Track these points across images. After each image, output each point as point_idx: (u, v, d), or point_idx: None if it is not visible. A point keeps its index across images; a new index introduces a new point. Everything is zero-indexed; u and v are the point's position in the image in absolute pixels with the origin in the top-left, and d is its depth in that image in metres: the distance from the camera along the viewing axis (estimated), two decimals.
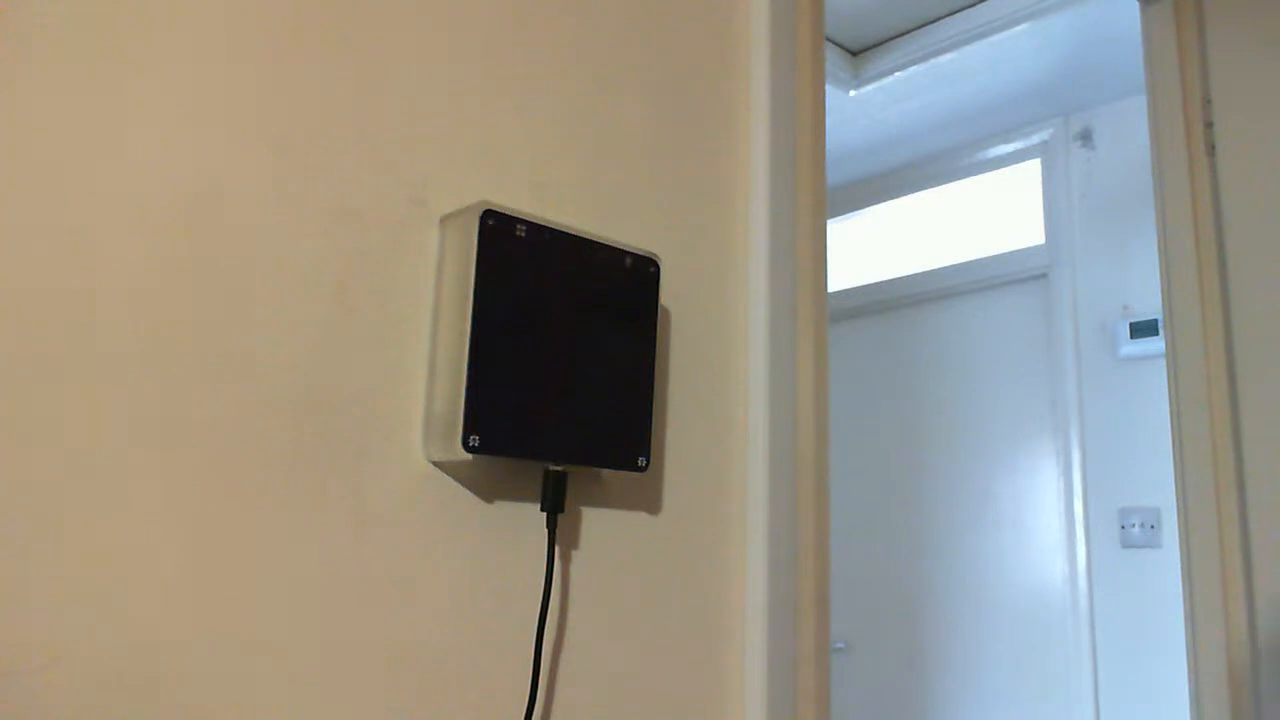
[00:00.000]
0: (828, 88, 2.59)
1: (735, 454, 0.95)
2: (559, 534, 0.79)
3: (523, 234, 0.71)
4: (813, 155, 1.06)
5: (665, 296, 0.91)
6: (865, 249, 3.32)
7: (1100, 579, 2.53)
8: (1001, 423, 2.81)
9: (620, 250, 0.78)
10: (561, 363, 0.73)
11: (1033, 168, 2.90)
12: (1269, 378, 1.37)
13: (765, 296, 0.97)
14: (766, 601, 0.91)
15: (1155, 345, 2.46)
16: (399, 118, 0.73)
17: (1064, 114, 2.79)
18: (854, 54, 2.60)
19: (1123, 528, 2.49)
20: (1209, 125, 1.49)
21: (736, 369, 0.96)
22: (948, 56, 2.47)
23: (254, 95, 0.66)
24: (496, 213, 0.70)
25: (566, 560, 0.79)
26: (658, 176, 0.92)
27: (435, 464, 0.72)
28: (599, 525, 0.82)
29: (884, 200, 3.27)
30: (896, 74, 2.55)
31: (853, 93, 2.65)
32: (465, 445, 0.66)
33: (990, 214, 2.99)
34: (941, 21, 2.42)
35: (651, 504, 0.86)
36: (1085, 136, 2.75)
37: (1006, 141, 2.92)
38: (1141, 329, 2.49)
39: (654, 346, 0.80)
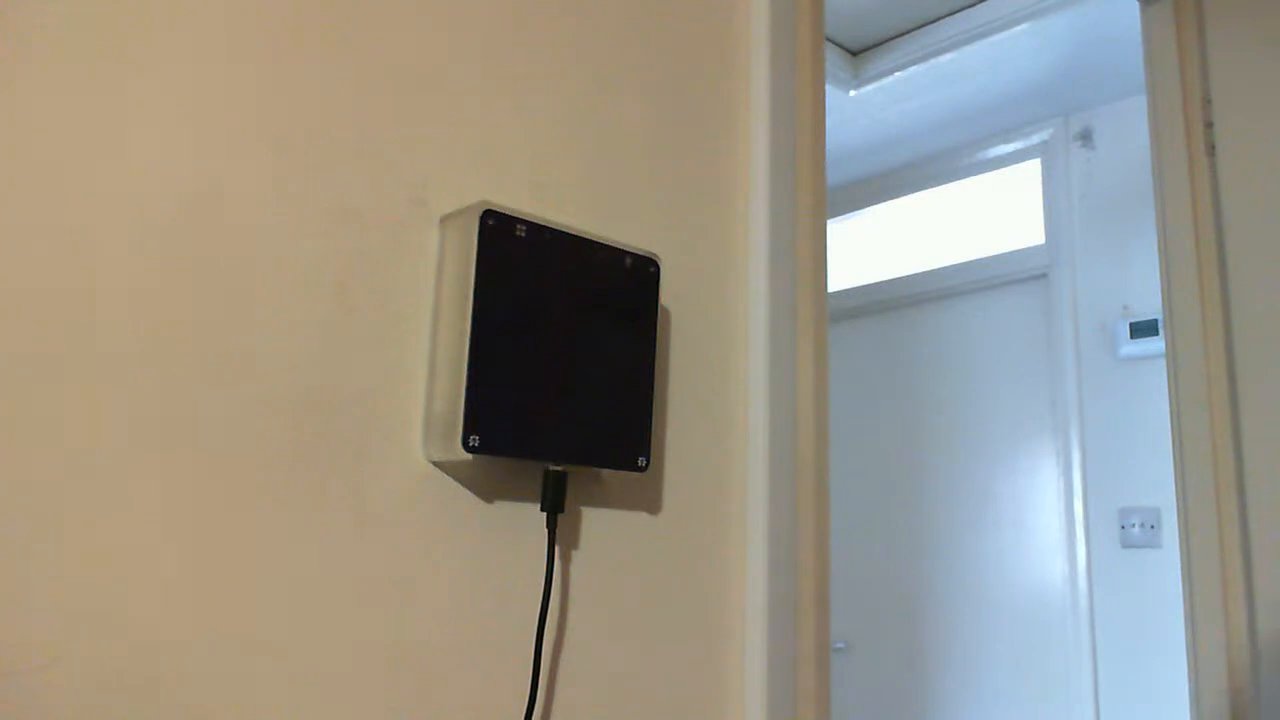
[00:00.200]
0: (828, 88, 2.59)
1: (735, 454, 0.95)
2: (559, 534, 0.79)
3: (523, 234, 0.71)
4: (813, 155, 1.06)
5: (665, 296, 0.91)
6: (865, 249, 3.32)
7: (1100, 579, 2.53)
8: (1001, 423, 2.81)
9: (620, 250, 0.78)
10: (561, 363, 0.73)
11: (1033, 168, 2.90)
12: (1269, 378, 1.37)
13: (765, 296, 0.97)
14: (766, 601, 0.91)
15: (1155, 345, 2.46)
16: (399, 118, 0.73)
17: (1064, 114, 2.79)
18: (854, 54, 2.60)
19: (1123, 528, 2.49)
20: (1209, 125, 1.49)
21: (736, 369, 0.96)
22: (948, 56, 2.47)
23: (254, 95, 0.66)
24: (496, 213, 0.70)
25: (566, 560, 0.79)
26: (658, 176, 0.92)
27: (435, 464, 0.72)
28: (599, 525, 0.82)
29: (884, 200, 3.27)
30: (896, 74, 2.55)
31: (853, 93, 2.65)
32: (465, 445, 0.66)
33: (990, 214, 2.99)
34: (941, 21, 2.42)
35: (651, 504, 0.86)
36: (1085, 136, 2.75)
37: (1006, 141, 2.92)
38: (1141, 329, 2.49)
39: (654, 346, 0.80)
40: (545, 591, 0.73)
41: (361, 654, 0.66)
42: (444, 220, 0.74)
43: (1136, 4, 1.64)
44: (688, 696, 0.86)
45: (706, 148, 0.97)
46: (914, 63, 2.50)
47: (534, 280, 0.72)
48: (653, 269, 0.81)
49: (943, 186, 3.13)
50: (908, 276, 3.11)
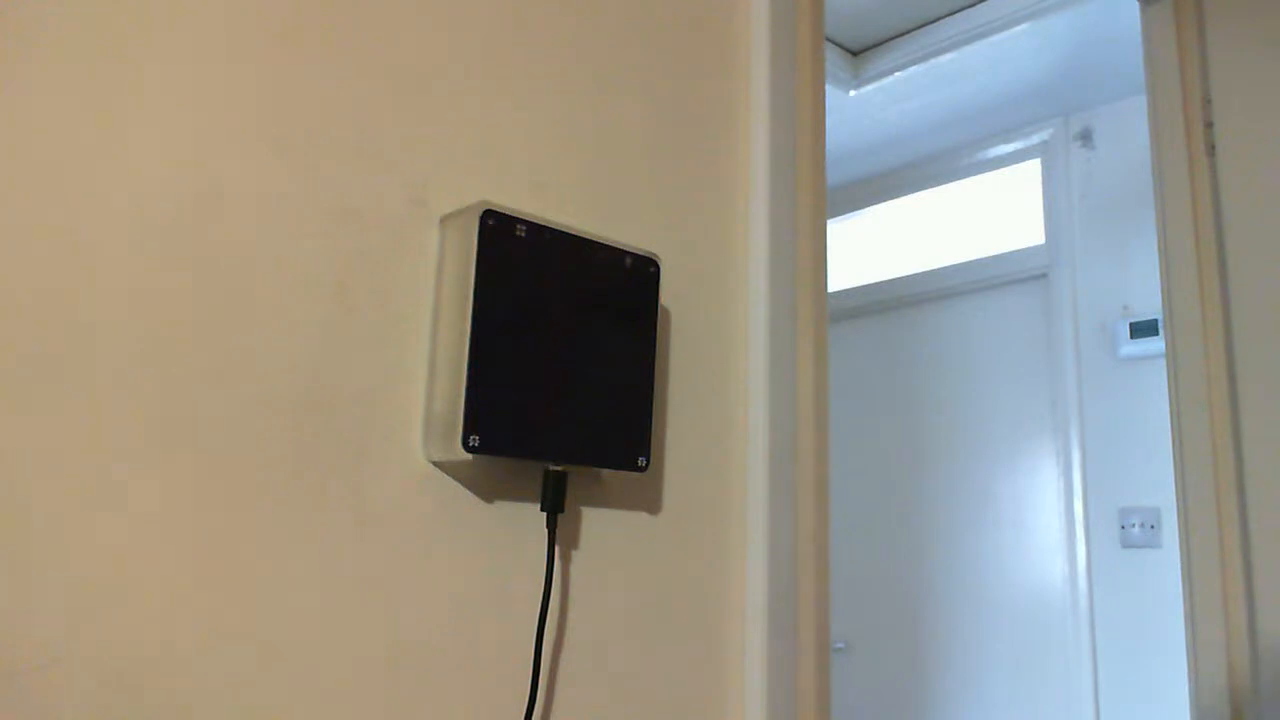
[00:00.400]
0: (828, 88, 2.59)
1: (735, 454, 0.95)
2: (559, 534, 0.79)
3: (523, 234, 0.71)
4: (813, 155, 1.06)
5: (665, 296, 0.91)
6: (865, 249, 3.32)
7: (1100, 579, 2.53)
8: (1001, 423, 2.81)
9: (620, 250, 0.78)
10: (561, 363, 0.73)
11: (1033, 168, 2.90)
12: (1269, 378, 1.37)
13: (765, 296, 0.97)
14: (766, 601, 0.91)
15: (1155, 345, 2.46)
16: (399, 118, 0.73)
17: (1064, 114, 2.79)
18: (854, 54, 2.60)
19: (1123, 528, 2.49)
20: (1209, 125, 1.49)
21: (736, 369, 0.96)
22: (948, 56, 2.47)
23: (254, 95, 0.66)
24: (496, 213, 0.70)
25: (566, 560, 0.79)
26: (658, 176, 0.92)
27: (435, 464, 0.72)
28: (599, 525, 0.82)
29: (884, 200, 3.27)
30: (896, 74, 2.55)
31: (853, 93, 2.65)
32: (465, 445, 0.66)
33: (990, 214, 2.99)
34: (941, 21, 2.42)
35: (651, 504, 0.86)
36: (1085, 136, 2.75)
37: (1006, 141, 2.92)
38: (1141, 329, 2.49)
39: (654, 346, 0.80)
40: (545, 591, 0.73)
41: (361, 654, 0.66)
42: (444, 220, 0.74)
43: (1136, 4, 1.64)
44: (688, 696, 0.86)
45: (706, 148, 0.97)
46: (914, 63, 2.50)
47: (534, 280, 0.72)
48: (653, 269, 0.81)
49: (943, 186, 3.13)
50: (908, 276, 3.11)
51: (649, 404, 0.79)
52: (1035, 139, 2.85)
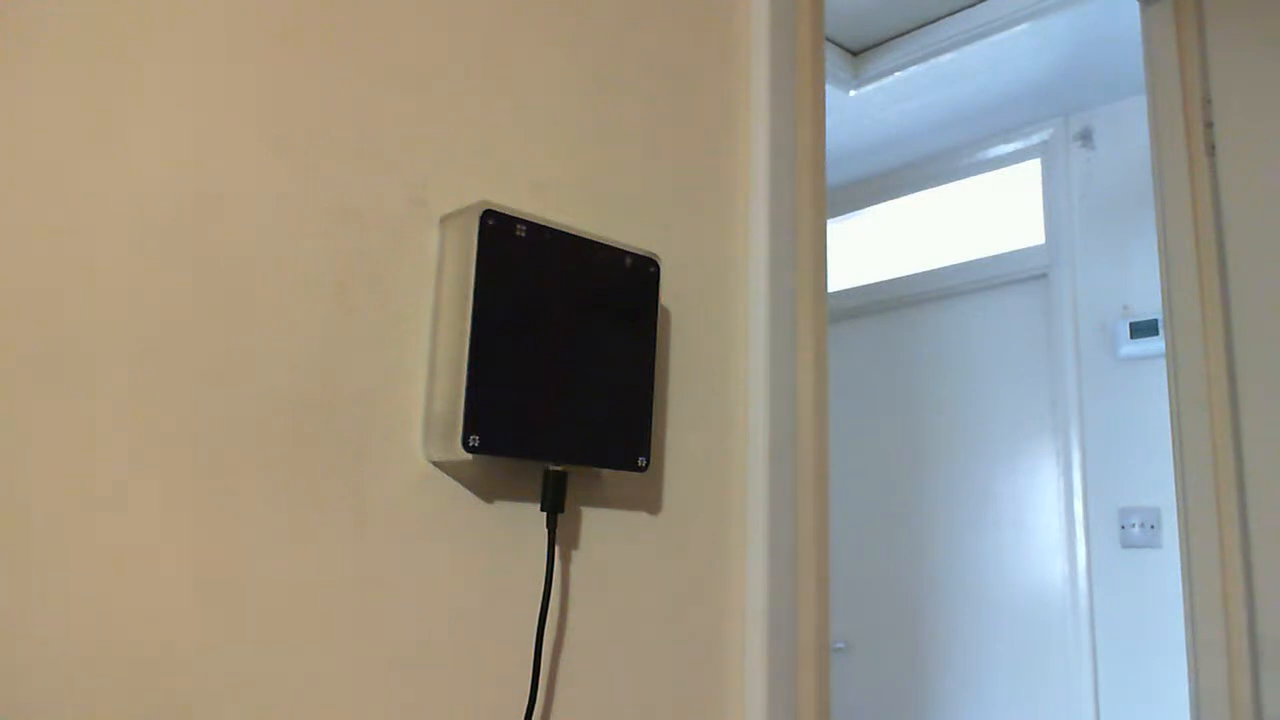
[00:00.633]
0: (828, 88, 2.59)
1: (735, 454, 0.95)
2: (559, 534, 0.79)
3: (523, 234, 0.71)
4: (813, 155, 1.06)
5: (665, 296, 0.91)
6: (865, 249, 3.32)
7: (1100, 579, 2.53)
8: (1001, 423, 2.81)
9: (620, 250, 0.78)
10: (561, 363, 0.73)
11: (1033, 168, 2.90)
12: (1269, 378, 1.37)
13: (765, 296, 0.97)
14: (766, 601, 0.91)
15: (1155, 345, 2.45)
16: (399, 118, 0.73)
17: (1064, 114, 2.79)
18: (854, 54, 2.60)
19: (1123, 528, 2.49)
20: (1209, 125, 1.49)
21: (736, 369, 0.96)
22: (948, 56, 2.47)
23: (254, 95, 0.66)
24: (496, 213, 0.70)
25: (566, 560, 0.79)
26: (658, 176, 0.92)
27: (435, 464, 0.72)
28: (599, 525, 0.82)
29: (884, 200, 3.27)
30: (896, 74, 2.55)
31: (853, 93, 2.65)
32: (465, 445, 0.66)
33: (990, 214, 2.99)
34: (941, 21, 2.42)
35: (651, 504, 0.86)
36: (1085, 136, 2.75)
37: (1006, 141, 2.91)
38: (1141, 329, 2.49)
39: (654, 346, 0.80)
40: (545, 591, 0.73)
41: (361, 654, 0.66)
42: (444, 220, 0.74)
43: (1136, 4, 1.64)
44: (688, 696, 0.86)
45: (706, 148, 0.97)
46: (914, 63, 2.50)
47: (534, 280, 0.72)
48: (653, 269, 0.81)
49: (943, 186, 3.13)
50: (908, 276, 3.11)
51: (649, 404, 0.79)
52: (1035, 139, 2.85)
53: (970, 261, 2.97)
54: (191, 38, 0.63)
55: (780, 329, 0.98)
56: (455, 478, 0.73)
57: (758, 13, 1.04)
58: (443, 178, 0.75)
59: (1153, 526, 2.44)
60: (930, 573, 2.89)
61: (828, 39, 2.52)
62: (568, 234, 0.74)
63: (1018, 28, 2.32)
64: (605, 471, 0.83)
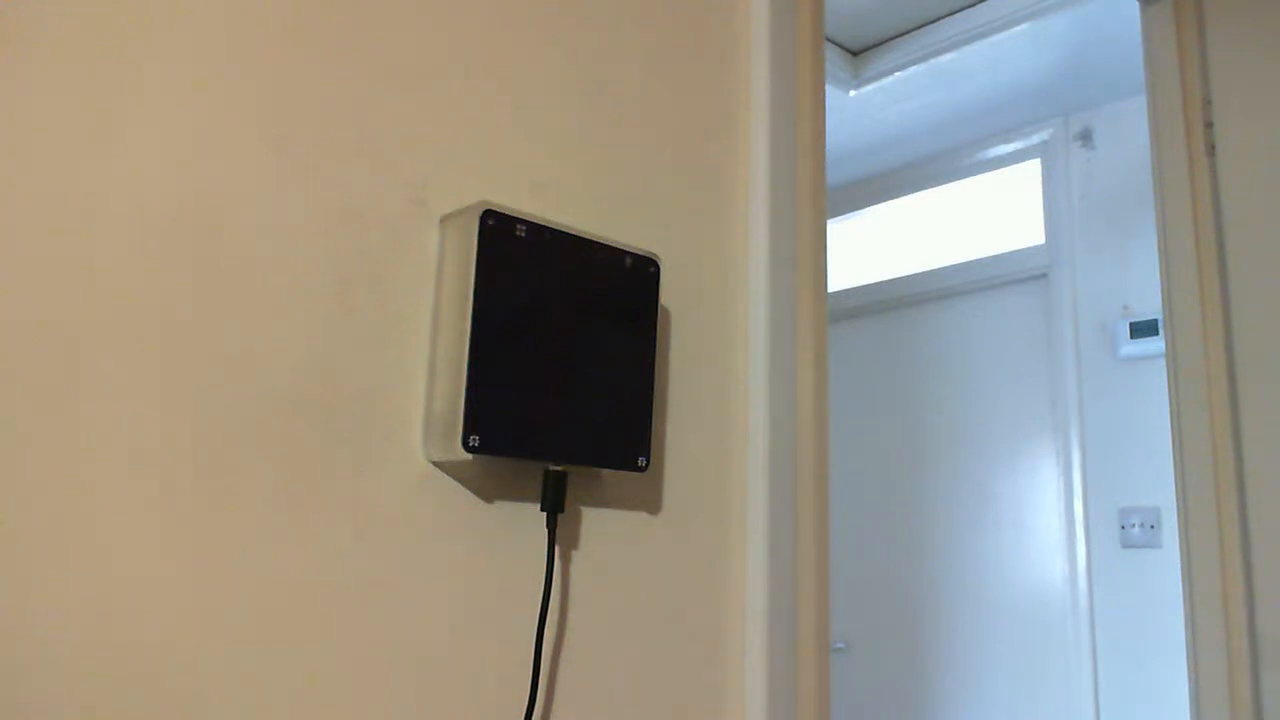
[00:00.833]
0: (828, 88, 2.59)
1: (735, 454, 0.95)
2: (559, 534, 0.79)
3: (523, 234, 0.71)
4: (813, 155, 1.06)
5: (665, 296, 0.91)
6: (865, 249, 3.32)
7: (1100, 579, 2.53)
8: (1001, 423, 2.81)
9: (620, 250, 0.78)
10: (561, 363, 0.73)
11: (1033, 168, 2.90)
12: (1269, 378, 1.37)
13: (765, 296, 0.97)
14: (766, 601, 0.91)
15: (1155, 345, 2.45)
16: (399, 118, 0.73)
17: (1064, 114, 2.79)
18: (854, 54, 2.60)
19: (1123, 528, 2.49)
20: (1209, 125, 1.49)
21: (736, 369, 0.96)
22: (948, 56, 2.47)
23: (254, 95, 0.66)
24: (496, 213, 0.70)
25: (566, 560, 0.79)
26: (658, 176, 0.92)
27: (435, 464, 0.72)
28: (599, 525, 0.82)
29: (884, 200, 3.27)
30: (896, 74, 2.55)
31: (853, 93, 2.65)
32: (465, 445, 0.66)
33: (990, 214, 2.99)
34: (941, 21, 2.42)
35: (651, 504, 0.86)
36: (1085, 136, 2.75)
37: (1006, 141, 2.91)
38: (1141, 329, 2.49)
39: (654, 346, 0.80)
40: (545, 591, 0.73)
41: (361, 654, 0.66)
42: (444, 220, 0.74)
43: (1136, 4, 1.64)
44: (688, 696, 0.86)
45: (706, 148, 0.97)
46: (914, 63, 2.50)
47: (534, 280, 0.72)
48: (653, 269, 0.81)
49: (942, 186, 3.13)
50: (908, 276, 3.11)
51: (649, 404, 0.79)
52: (1035, 139, 2.85)
53: (970, 261, 2.97)
54: (191, 38, 0.63)
55: (780, 329, 0.98)
56: (455, 478, 0.73)
57: (758, 13, 1.04)
58: (443, 178, 0.75)
59: (1153, 526, 2.44)
60: (930, 573, 2.89)
61: (828, 39, 2.52)
62: (568, 234, 0.74)
63: (1018, 28, 2.32)
64: (605, 471, 0.83)
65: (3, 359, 0.54)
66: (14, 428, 0.54)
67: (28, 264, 0.56)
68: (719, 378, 0.94)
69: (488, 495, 0.74)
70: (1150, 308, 2.52)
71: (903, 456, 3.03)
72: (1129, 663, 2.45)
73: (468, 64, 0.78)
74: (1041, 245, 2.80)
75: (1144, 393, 2.51)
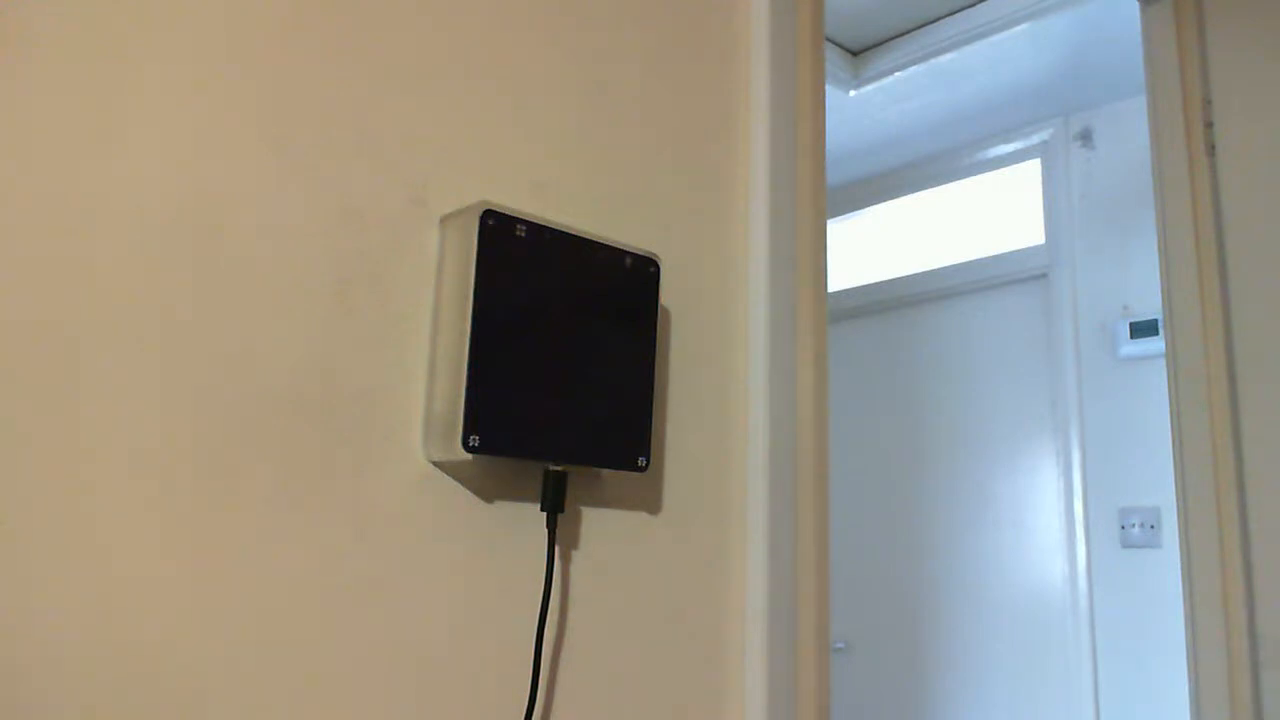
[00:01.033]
0: (828, 88, 2.59)
1: (735, 454, 0.95)
2: (559, 534, 0.79)
3: (523, 234, 0.71)
4: (813, 155, 1.06)
5: (665, 296, 0.91)
6: (865, 249, 3.32)
7: (1100, 579, 2.53)
8: (1001, 423, 2.81)
9: (620, 250, 0.78)
10: (561, 363, 0.73)
11: (1033, 168, 2.90)
12: (1269, 378, 1.37)
13: (765, 296, 0.97)
14: (766, 601, 0.91)
15: (1155, 345, 2.45)
16: (399, 118, 0.73)
17: (1064, 114, 2.79)
18: (854, 54, 2.60)
19: (1123, 528, 2.49)
20: (1209, 125, 1.49)
21: (736, 369, 0.96)
22: (948, 56, 2.46)
23: (254, 95, 0.66)
24: (496, 213, 0.70)
25: (566, 560, 0.79)
26: (658, 176, 0.92)
27: (435, 464, 0.72)
28: (599, 525, 0.82)
29: (884, 200, 3.27)
30: (896, 74, 2.55)
31: (853, 93, 2.65)
32: (465, 445, 0.66)
33: (990, 214, 2.99)
34: (941, 21, 2.42)
35: (651, 504, 0.86)
36: (1085, 136, 2.75)
37: (1006, 141, 2.91)
38: (1141, 329, 2.49)
39: (654, 346, 0.80)
40: (545, 591, 0.73)
41: (361, 654, 0.66)
42: (444, 220, 0.74)
43: (1136, 4, 1.64)
44: (688, 696, 0.86)
45: (707, 148, 0.97)
46: (914, 63, 2.50)
47: (534, 280, 0.72)
48: (653, 269, 0.81)
49: (942, 186, 3.13)
50: (908, 276, 3.11)
51: (649, 404, 0.79)
52: (1035, 139, 2.85)
53: (970, 261, 2.97)
54: (191, 38, 0.63)
55: (780, 329, 0.98)
56: (455, 478, 0.73)
57: (758, 13, 1.04)
58: (443, 178, 0.75)
59: (1153, 526, 2.44)
60: (930, 573, 2.89)
61: (828, 39, 2.52)
62: (568, 234, 0.74)
63: (1018, 28, 2.32)
64: (605, 471, 0.83)
65: (3, 359, 0.54)
66: (14, 428, 0.54)
67: (28, 264, 0.56)
68: (719, 378, 0.94)
69: (488, 495, 0.74)
70: (1150, 308, 2.52)
71: (903, 456, 3.03)
72: (1129, 663, 2.45)
73: (468, 64, 0.78)
74: (1041, 245, 2.80)
75: (1144, 393, 2.51)
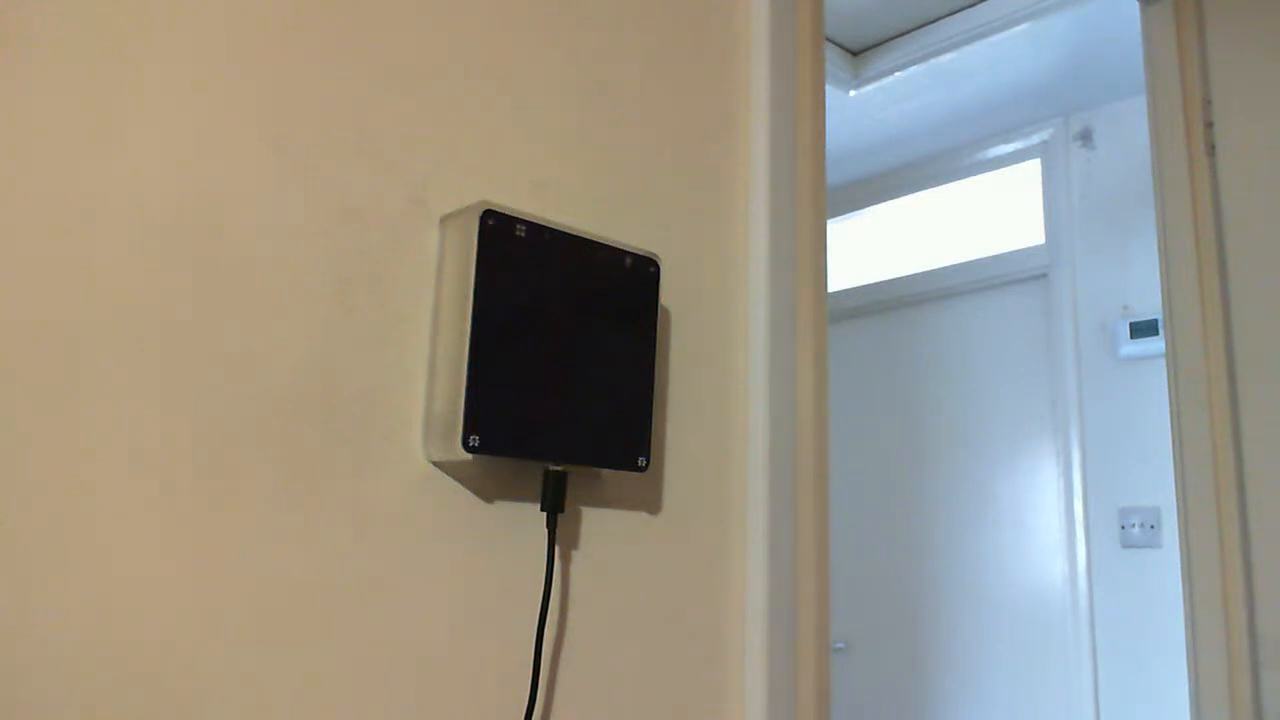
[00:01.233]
0: (828, 88, 2.59)
1: (735, 454, 0.95)
2: (559, 534, 0.79)
3: (523, 234, 0.71)
4: (813, 155, 1.06)
5: (665, 296, 0.91)
6: (865, 249, 3.32)
7: (1100, 579, 2.53)
8: (1001, 423, 2.81)
9: (620, 250, 0.78)
10: (561, 363, 0.73)
11: (1033, 168, 2.90)
12: (1269, 378, 1.37)
13: (765, 296, 0.97)
14: (766, 601, 0.91)
15: (1155, 345, 2.45)
16: (399, 118, 0.73)
17: (1064, 114, 2.79)
18: (854, 54, 2.60)
19: (1123, 528, 2.49)
20: (1209, 125, 1.49)
21: (736, 369, 0.96)
22: (948, 56, 2.47)
23: (254, 95, 0.66)
24: (496, 213, 0.70)
25: (566, 560, 0.79)
26: (658, 176, 0.92)
27: (435, 464, 0.72)
28: (599, 525, 0.82)
29: (884, 200, 3.27)
30: (896, 74, 2.55)
31: (853, 93, 2.65)
32: (465, 445, 0.66)
33: (990, 214, 2.99)
34: (941, 21, 2.42)
35: (651, 504, 0.86)
36: (1085, 136, 2.75)
37: (1006, 141, 2.91)
38: (1141, 329, 2.49)
39: (654, 346, 0.80)
40: (545, 591, 0.73)
41: (361, 654, 0.66)
42: (444, 220, 0.74)
43: (1136, 4, 1.64)
44: (688, 696, 0.86)
45: (707, 148, 0.97)
46: (914, 63, 2.50)
47: (534, 280, 0.72)
48: (653, 269, 0.81)
49: (942, 186, 3.13)
50: (908, 276, 3.11)
51: (649, 404, 0.79)
52: (1035, 139, 2.85)
53: (970, 261, 2.97)
54: (191, 38, 0.63)
55: (780, 329, 0.98)
56: (455, 478, 0.73)
57: (757, 13, 1.04)
58: (443, 178, 0.75)
59: (1153, 526, 2.44)
60: (930, 573, 2.89)
61: (828, 39, 2.52)
62: (568, 234, 0.74)
63: (1018, 28, 2.32)
64: (605, 471, 0.83)
65: (3, 359, 0.54)
66: (14, 428, 0.54)
67: (28, 264, 0.56)
68: (719, 378, 0.94)
69: (488, 495, 0.74)
70: (1150, 308, 2.52)
71: (903, 456, 3.03)
72: (1129, 663, 2.45)
73: (468, 64, 0.78)
74: (1041, 245, 2.80)
75: (1144, 393, 2.51)
